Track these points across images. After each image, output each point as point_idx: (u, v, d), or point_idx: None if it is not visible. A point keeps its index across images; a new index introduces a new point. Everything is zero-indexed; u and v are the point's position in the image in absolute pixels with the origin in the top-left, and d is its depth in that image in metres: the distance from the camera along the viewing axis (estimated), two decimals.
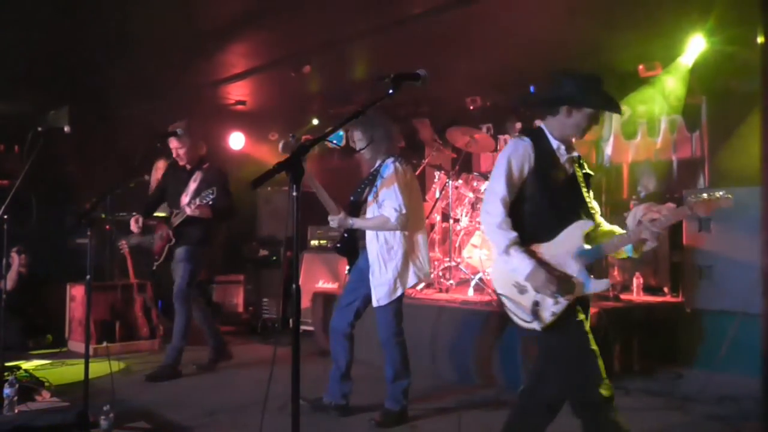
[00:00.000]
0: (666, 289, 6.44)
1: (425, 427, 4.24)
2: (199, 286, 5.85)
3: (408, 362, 4.31)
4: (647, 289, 6.43)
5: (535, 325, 2.93)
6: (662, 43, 6.46)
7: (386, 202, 4.17)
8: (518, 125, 8.64)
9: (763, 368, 4.01)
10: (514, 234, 2.91)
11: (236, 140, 9.84)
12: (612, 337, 5.60)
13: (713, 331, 5.76)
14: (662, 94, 6.96)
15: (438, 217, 7.17)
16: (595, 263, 3.07)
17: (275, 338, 7.53)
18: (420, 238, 4.34)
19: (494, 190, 2.98)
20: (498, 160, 3.04)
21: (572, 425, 2.97)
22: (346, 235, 4.44)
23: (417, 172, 5.08)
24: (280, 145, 4.32)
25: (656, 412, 4.59)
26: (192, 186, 5.55)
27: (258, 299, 8.23)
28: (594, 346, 2.93)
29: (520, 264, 2.88)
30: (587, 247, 2.97)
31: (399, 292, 4.23)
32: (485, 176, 6.91)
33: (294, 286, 2.42)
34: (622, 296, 6.11)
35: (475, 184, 6.76)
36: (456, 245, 6.67)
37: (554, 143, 3.06)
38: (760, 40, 4.04)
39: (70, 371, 5.58)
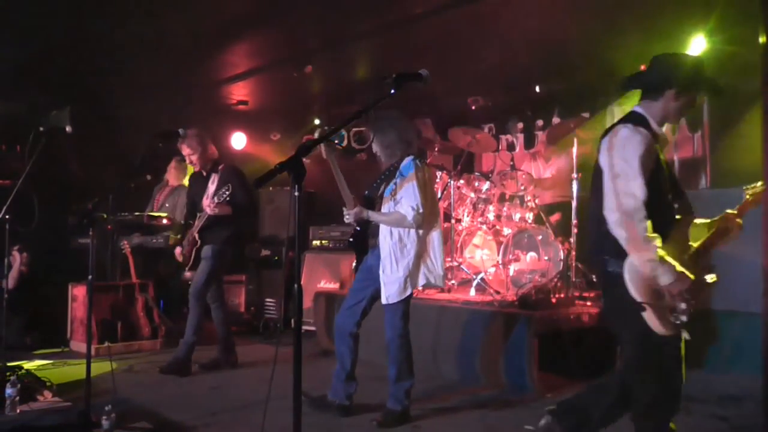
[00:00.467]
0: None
1: (427, 427, 4.24)
2: (218, 286, 5.86)
3: (412, 363, 4.31)
4: None
5: (667, 330, 2.82)
6: (664, 43, 6.45)
7: (404, 199, 4.16)
8: (520, 125, 8.64)
9: (765, 368, 4.00)
10: (657, 239, 2.76)
11: (238, 140, 9.84)
12: (614, 338, 5.59)
13: (714, 331, 5.75)
14: None
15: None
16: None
17: (277, 338, 7.54)
18: (435, 239, 4.31)
19: (632, 192, 2.78)
20: (621, 156, 2.85)
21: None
22: (358, 228, 4.41)
23: None
24: (324, 150, 4.30)
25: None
26: (211, 188, 5.64)
27: (260, 299, 8.23)
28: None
29: (667, 270, 2.75)
30: (694, 244, 2.91)
31: (408, 292, 4.22)
32: (486, 176, 6.92)
33: (296, 286, 2.42)
34: None
35: (476, 184, 6.76)
36: (458, 245, 6.67)
37: (656, 129, 2.93)
38: (761, 39, 4.03)
39: (72, 371, 5.58)
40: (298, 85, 7.81)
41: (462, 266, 6.50)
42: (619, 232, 2.81)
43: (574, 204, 6.39)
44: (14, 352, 5.65)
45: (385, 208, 4.27)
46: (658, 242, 2.75)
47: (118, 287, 6.83)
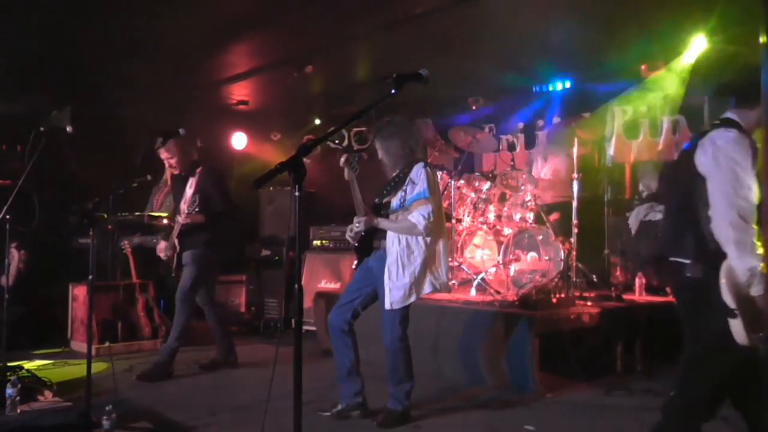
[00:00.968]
0: (668, 290, 6.42)
1: (428, 427, 4.24)
2: (207, 288, 5.85)
3: (411, 366, 4.30)
4: (650, 289, 6.42)
5: (750, 341, 2.82)
6: (664, 43, 6.47)
7: (415, 208, 4.13)
8: (520, 125, 8.64)
9: (766, 368, 4.00)
10: (761, 247, 2.77)
11: (238, 140, 9.84)
12: (614, 338, 5.61)
13: None
14: (663, 93, 6.96)
15: None
16: None
17: (277, 338, 7.54)
18: (441, 247, 4.29)
19: (746, 196, 2.78)
20: (734, 159, 2.84)
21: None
22: (364, 233, 4.38)
23: None
24: (346, 172, 4.27)
25: (658, 412, 4.57)
26: (189, 192, 5.57)
27: (260, 299, 8.23)
28: None
29: (763, 280, 2.75)
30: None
31: (413, 299, 4.20)
32: (487, 176, 6.92)
33: (296, 286, 2.42)
34: (625, 296, 6.10)
35: (476, 184, 6.75)
36: (458, 245, 6.66)
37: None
38: (762, 39, 4.03)
39: (73, 371, 5.59)
40: (298, 85, 7.80)
41: (462, 266, 6.50)
42: (728, 234, 2.80)
43: (574, 204, 6.40)
44: (14, 351, 5.63)
45: (394, 216, 4.26)
46: (761, 250, 2.77)
47: (118, 287, 6.83)
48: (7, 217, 4.70)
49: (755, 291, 2.78)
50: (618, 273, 6.86)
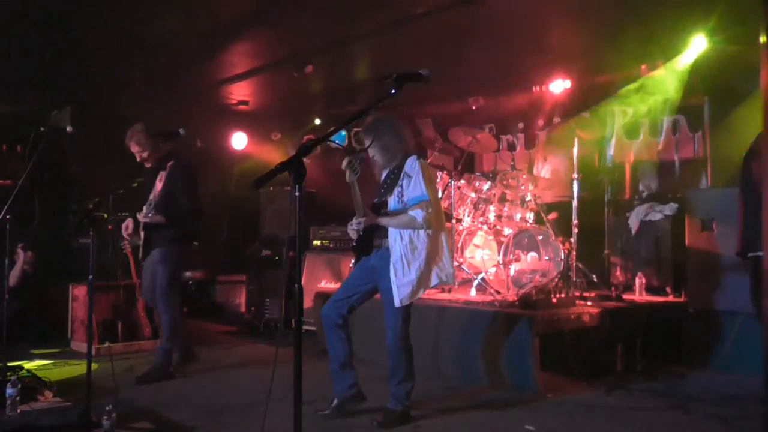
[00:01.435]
0: (668, 289, 6.44)
1: (427, 427, 4.23)
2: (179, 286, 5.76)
3: (413, 366, 4.30)
4: (650, 289, 6.43)
5: None
6: (664, 43, 6.46)
7: (413, 200, 4.14)
8: (521, 125, 8.64)
9: (766, 368, 4.00)
10: None
11: (238, 140, 9.85)
12: (615, 337, 5.61)
13: (716, 331, 5.75)
14: (662, 93, 6.96)
15: None
16: None
17: (277, 338, 7.54)
18: (443, 238, 4.31)
19: None
20: None
21: None
22: (362, 233, 4.38)
23: None
24: (344, 163, 4.25)
25: (659, 412, 4.58)
26: (158, 186, 5.49)
27: (260, 299, 8.23)
28: None
29: None
30: None
31: (421, 293, 4.21)
32: (487, 176, 6.92)
33: (296, 286, 2.42)
34: (625, 296, 6.10)
35: (477, 184, 6.75)
36: (458, 245, 6.66)
37: None
38: (762, 39, 4.03)
39: (73, 371, 5.59)
40: (298, 85, 7.81)
41: (463, 266, 6.50)
42: None
43: (574, 204, 6.40)
44: (14, 345, 5.63)
45: (392, 209, 4.26)
46: None
47: (118, 287, 6.82)
48: (7, 217, 4.70)
49: None
50: (618, 273, 6.86)
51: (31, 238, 6.93)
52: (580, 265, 6.22)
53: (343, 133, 9.16)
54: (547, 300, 5.38)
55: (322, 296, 6.78)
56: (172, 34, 6.20)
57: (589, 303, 5.73)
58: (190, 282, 9.40)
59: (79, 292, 6.83)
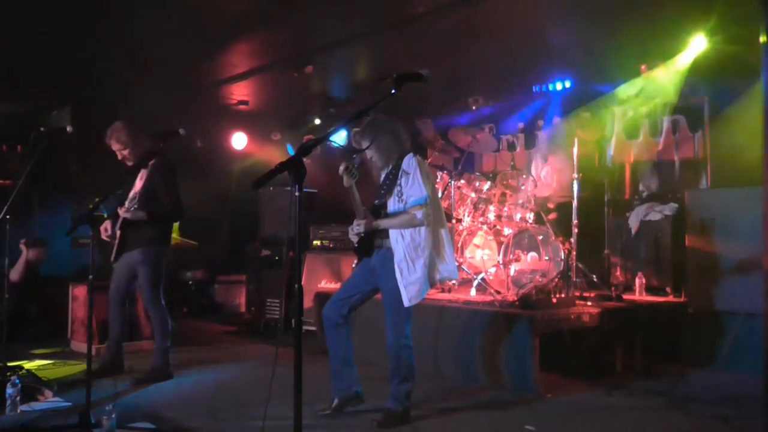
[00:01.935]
0: (668, 290, 6.44)
1: (427, 427, 4.23)
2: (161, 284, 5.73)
3: (413, 366, 4.30)
4: (650, 289, 6.43)
5: None
6: (664, 43, 6.46)
7: (412, 197, 4.15)
8: (520, 125, 8.64)
9: (766, 368, 4.00)
10: None
11: (238, 140, 9.85)
12: (615, 337, 5.61)
13: (715, 331, 5.75)
14: (662, 93, 6.96)
15: None
16: None
17: (277, 338, 7.54)
18: (443, 234, 4.31)
19: None
20: None
21: None
22: (363, 234, 4.37)
23: None
24: (341, 169, 4.24)
25: (659, 412, 4.58)
26: (138, 184, 5.44)
27: (260, 299, 8.23)
28: None
29: None
30: None
31: (427, 289, 4.21)
32: (487, 176, 6.92)
33: (296, 286, 2.42)
34: (625, 296, 6.10)
35: (477, 184, 6.76)
36: (458, 245, 6.67)
37: None
38: (762, 39, 4.03)
39: (73, 371, 5.59)
40: (298, 85, 7.81)
41: (463, 266, 6.50)
42: None
43: (574, 204, 6.40)
44: (14, 350, 5.63)
45: (392, 208, 4.26)
46: None
47: None
48: (7, 217, 4.70)
49: None
50: (618, 273, 6.86)
51: (30, 238, 6.93)
52: (580, 265, 6.23)
53: (344, 133, 9.16)
54: (547, 300, 5.39)
55: (322, 296, 6.79)
56: (173, 34, 6.20)
57: (589, 303, 5.73)
58: (190, 282, 9.42)
59: (79, 292, 6.83)
